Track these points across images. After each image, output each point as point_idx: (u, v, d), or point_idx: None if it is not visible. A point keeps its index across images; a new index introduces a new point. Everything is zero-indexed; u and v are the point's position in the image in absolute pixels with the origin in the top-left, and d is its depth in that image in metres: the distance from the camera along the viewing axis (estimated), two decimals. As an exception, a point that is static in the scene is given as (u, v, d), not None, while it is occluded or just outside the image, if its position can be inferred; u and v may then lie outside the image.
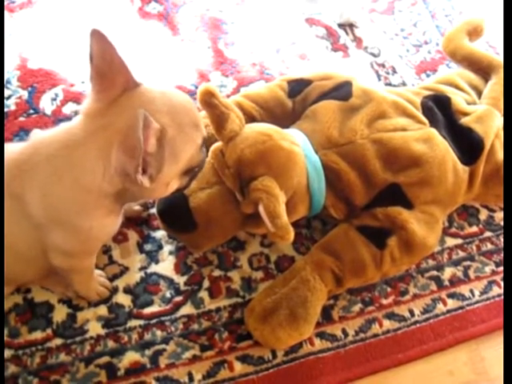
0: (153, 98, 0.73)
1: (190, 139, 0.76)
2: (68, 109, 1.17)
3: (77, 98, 1.19)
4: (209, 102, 0.94)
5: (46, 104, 1.17)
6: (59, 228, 0.76)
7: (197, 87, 1.22)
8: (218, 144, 0.98)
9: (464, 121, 1.10)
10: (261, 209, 0.88)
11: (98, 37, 0.71)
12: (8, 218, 0.74)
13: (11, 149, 0.77)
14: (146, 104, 0.71)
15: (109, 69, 0.72)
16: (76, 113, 1.16)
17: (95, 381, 0.91)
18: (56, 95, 1.19)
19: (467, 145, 1.07)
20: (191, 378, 0.94)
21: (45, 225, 0.75)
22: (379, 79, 1.37)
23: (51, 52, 1.24)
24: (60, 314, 0.96)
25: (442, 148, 1.03)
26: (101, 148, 0.70)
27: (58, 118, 1.15)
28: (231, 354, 0.97)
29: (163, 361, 0.94)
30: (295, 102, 1.11)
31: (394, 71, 1.39)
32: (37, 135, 0.79)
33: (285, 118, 1.10)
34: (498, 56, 1.30)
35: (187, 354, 0.95)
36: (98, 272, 0.98)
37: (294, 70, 1.34)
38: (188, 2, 1.41)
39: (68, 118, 1.15)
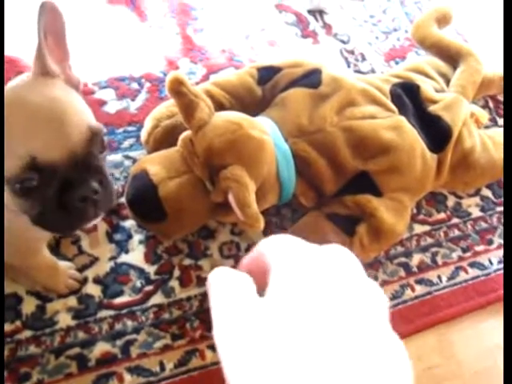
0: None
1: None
2: (33, 96, 1.14)
3: (43, 86, 1.16)
4: (178, 90, 0.92)
5: (11, 92, 1.14)
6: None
7: (165, 74, 1.20)
8: (187, 133, 0.97)
9: (432, 108, 1.11)
10: (230, 198, 0.88)
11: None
12: None
13: None
14: None
15: None
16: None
17: (66, 372, 0.90)
18: (21, 82, 1.16)
19: (435, 132, 1.08)
20: (163, 367, 0.93)
21: None
22: (348, 66, 1.37)
23: (14, 38, 1.21)
24: (29, 305, 0.95)
25: (410, 136, 1.04)
26: None
27: (23, 105, 1.12)
28: (203, 342, 0.97)
29: (134, 351, 0.94)
30: (265, 89, 1.11)
31: (364, 58, 1.39)
32: None
33: (254, 105, 1.09)
34: (466, 44, 1.31)
35: (158, 344, 0.95)
36: (67, 264, 0.97)
37: (263, 56, 1.33)
38: (156, -14, 1.39)
39: (34, 106, 1.13)
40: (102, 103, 1.17)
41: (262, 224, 0.89)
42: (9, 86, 0.64)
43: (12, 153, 0.59)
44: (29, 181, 0.61)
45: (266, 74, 1.12)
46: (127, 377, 0.92)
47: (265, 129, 0.98)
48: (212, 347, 0.96)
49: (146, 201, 0.95)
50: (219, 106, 1.07)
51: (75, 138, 0.62)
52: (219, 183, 0.90)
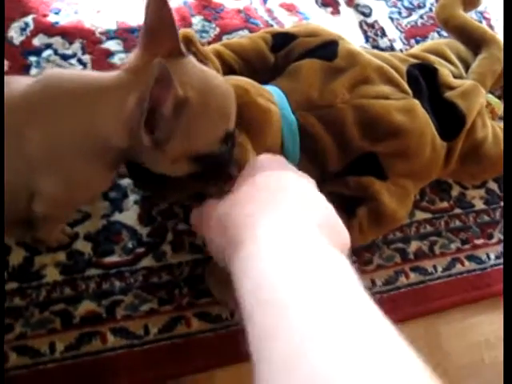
0: (191, 71, 0.72)
1: (212, 125, 0.73)
2: (38, 41, 1.10)
3: (48, 30, 1.12)
4: (186, 48, 0.89)
5: (15, 34, 1.10)
6: (53, 173, 0.72)
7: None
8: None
9: (448, 95, 1.07)
10: None
11: None
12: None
13: (19, 81, 0.73)
14: (180, 74, 0.68)
15: (159, 28, 0.70)
16: (46, 46, 1.10)
17: (49, 327, 0.89)
18: (26, 25, 1.12)
19: (449, 120, 1.04)
20: (147, 331, 0.92)
21: (39, 168, 0.71)
22: (367, 40, 1.33)
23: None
24: (17, 256, 0.93)
25: (422, 121, 1.01)
26: (120, 100, 0.68)
27: (26, 49, 1.08)
28: (189, 310, 0.95)
29: (120, 312, 0.93)
30: (278, 56, 1.07)
31: (383, 33, 1.35)
32: (50, 70, 0.75)
33: (265, 72, 1.06)
34: (490, 30, 1.26)
35: (145, 307, 0.94)
36: (58, 217, 0.95)
37: (280, 21, 1.29)
38: None
39: (38, 51, 1.09)
40: (109, 54, 1.13)
41: None
42: (184, 72, 0.71)
43: (213, 129, 0.73)
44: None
45: (281, 41, 1.08)
46: (110, 337, 0.91)
47: (273, 98, 0.94)
48: (198, 315, 0.95)
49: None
50: (229, 69, 1.03)
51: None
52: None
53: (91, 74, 0.73)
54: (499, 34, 1.23)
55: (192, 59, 0.74)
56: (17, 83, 0.72)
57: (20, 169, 0.71)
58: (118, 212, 1.00)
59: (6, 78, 0.75)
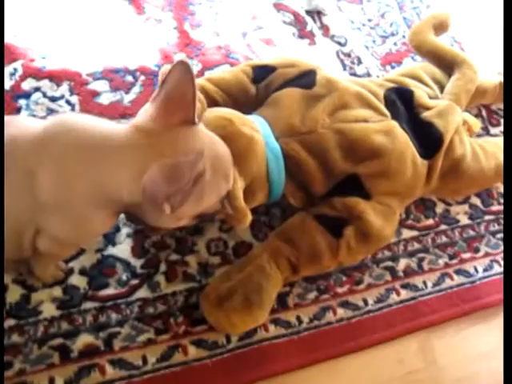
0: (205, 141, 0.77)
1: (218, 189, 0.81)
2: (27, 85, 1.14)
3: (36, 74, 1.16)
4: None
5: (5, 79, 1.13)
6: (60, 214, 0.75)
7: (160, 68, 1.20)
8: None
9: (425, 115, 1.11)
10: None
11: (183, 67, 0.73)
12: (11, 192, 0.71)
13: (30, 122, 0.76)
14: (198, 145, 0.75)
15: (178, 99, 0.74)
16: (35, 89, 1.14)
17: (48, 362, 0.90)
18: (15, 70, 1.15)
19: (427, 139, 1.08)
20: (145, 361, 0.93)
21: (47, 207, 0.73)
22: (344, 69, 1.38)
23: (10, 25, 1.21)
24: (14, 294, 0.94)
25: (402, 141, 1.04)
26: (137, 161, 0.72)
27: (16, 93, 1.12)
28: (186, 338, 0.96)
29: (117, 343, 0.94)
30: (259, 87, 1.11)
31: (360, 61, 1.40)
32: (66, 115, 0.81)
33: (248, 103, 1.10)
34: (462, 52, 1.32)
35: (142, 338, 0.95)
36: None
37: (259, 55, 1.33)
38: (155, -20, 1.39)
39: (27, 94, 1.13)
40: (96, 94, 1.17)
41: (249, 219, 0.90)
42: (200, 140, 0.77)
43: (219, 192, 0.81)
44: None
45: (261, 73, 1.12)
46: (109, 369, 0.91)
47: (256, 127, 0.98)
48: (195, 343, 0.96)
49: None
50: (212, 103, 1.07)
51: None
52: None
53: (102, 125, 0.77)
54: (471, 55, 1.27)
55: (202, 127, 0.79)
56: (28, 123, 0.75)
57: (28, 207, 0.73)
58: (112, 246, 1.02)
59: (16, 118, 0.78)
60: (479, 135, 1.33)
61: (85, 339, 0.93)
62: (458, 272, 1.15)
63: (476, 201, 1.26)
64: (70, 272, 0.98)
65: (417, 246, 1.16)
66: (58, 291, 0.96)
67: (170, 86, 0.74)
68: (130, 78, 1.21)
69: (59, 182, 0.72)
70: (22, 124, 0.76)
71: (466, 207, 1.24)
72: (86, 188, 0.73)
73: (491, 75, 1.35)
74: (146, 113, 0.77)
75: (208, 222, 1.07)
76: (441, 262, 1.15)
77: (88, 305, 0.96)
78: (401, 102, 1.12)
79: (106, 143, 0.73)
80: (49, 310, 0.94)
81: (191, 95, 0.74)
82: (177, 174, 0.68)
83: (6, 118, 0.77)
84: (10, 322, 0.92)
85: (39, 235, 0.78)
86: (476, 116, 1.34)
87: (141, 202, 0.73)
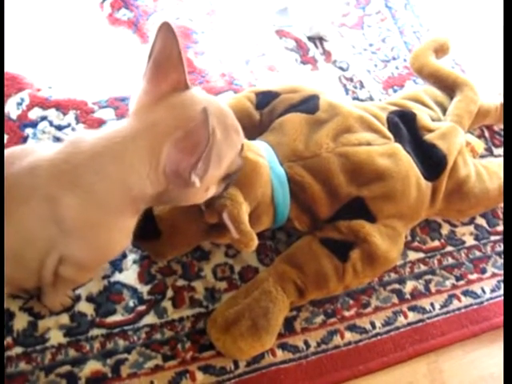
0: (203, 100, 0.75)
1: (233, 143, 0.78)
2: (34, 114, 1.16)
3: (43, 103, 1.17)
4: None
5: (12, 108, 1.15)
6: (83, 237, 0.75)
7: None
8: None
9: (428, 137, 1.12)
10: (225, 215, 0.88)
11: (165, 28, 0.72)
12: (34, 222, 0.71)
13: (42, 149, 0.75)
14: (198, 105, 0.71)
15: (166, 62, 0.73)
16: (42, 118, 1.16)
17: (55, 390, 0.90)
18: (22, 100, 1.17)
19: (431, 161, 1.09)
20: (153, 388, 0.93)
21: (71, 232, 0.73)
22: (347, 93, 1.39)
23: (17, 56, 1.23)
24: (21, 322, 0.94)
25: (405, 163, 1.05)
26: (149, 146, 0.70)
27: (23, 122, 1.14)
28: (193, 363, 0.96)
29: (125, 370, 0.94)
30: (262, 113, 1.12)
31: (362, 86, 1.41)
32: (73, 136, 0.78)
33: (252, 129, 1.10)
34: (463, 74, 1.33)
35: (149, 364, 0.95)
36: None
37: (262, 81, 1.35)
38: (158, 9, 1.41)
39: (34, 123, 1.14)
40: (102, 122, 1.18)
41: (255, 242, 0.90)
42: (204, 101, 0.75)
43: (234, 147, 0.78)
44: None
45: (264, 99, 1.13)
46: (117, 397, 0.91)
47: (261, 152, 0.99)
48: (203, 368, 0.96)
49: (141, 219, 0.95)
50: (217, 129, 1.08)
51: None
52: (213, 202, 0.90)
53: (106, 131, 0.75)
54: (471, 77, 1.28)
55: (198, 88, 0.77)
56: (41, 151, 0.74)
57: (52, 235, 0.72)
58: (118, 272, 1.02)
59: (29, 147, 0.78)
60: (483, 156, 1.33)
61: (92, 366, 0.93)
62: (465, 293, 1.15)
63: (481, 221, 1.26)
64: (77, 299, 0.98)
65: (423, 267, 1.16)
66: (65, 318, 0.96)
67: (157, 50, 0.73)
68: (135, 106, 1.22)
69: (84, 201, 0.71)
70: (36, 152, 0.74)
71: (471, 228, 1.24)
72: (111, 197, 0.72)
73: (492, 96, 1.36)
74: (137, 92, 0.76)
75: (215, 245, 1.08)
76: (448, 283, 1.15)
77: (95, 331, 0.96)
78: (404, 124, 1.13)
79: (116, 143, 0.72)
80: (56, 337, 0.94)
81: (177, 54, 0.73)
82: (193, 141, 0.67)
83: (18, 149, 0.77)
84: (17, 350, 0.92)
85: (62, 263, 0.77)
86: (479, 137, 1.35)
87: (166, 187, 0.72)
